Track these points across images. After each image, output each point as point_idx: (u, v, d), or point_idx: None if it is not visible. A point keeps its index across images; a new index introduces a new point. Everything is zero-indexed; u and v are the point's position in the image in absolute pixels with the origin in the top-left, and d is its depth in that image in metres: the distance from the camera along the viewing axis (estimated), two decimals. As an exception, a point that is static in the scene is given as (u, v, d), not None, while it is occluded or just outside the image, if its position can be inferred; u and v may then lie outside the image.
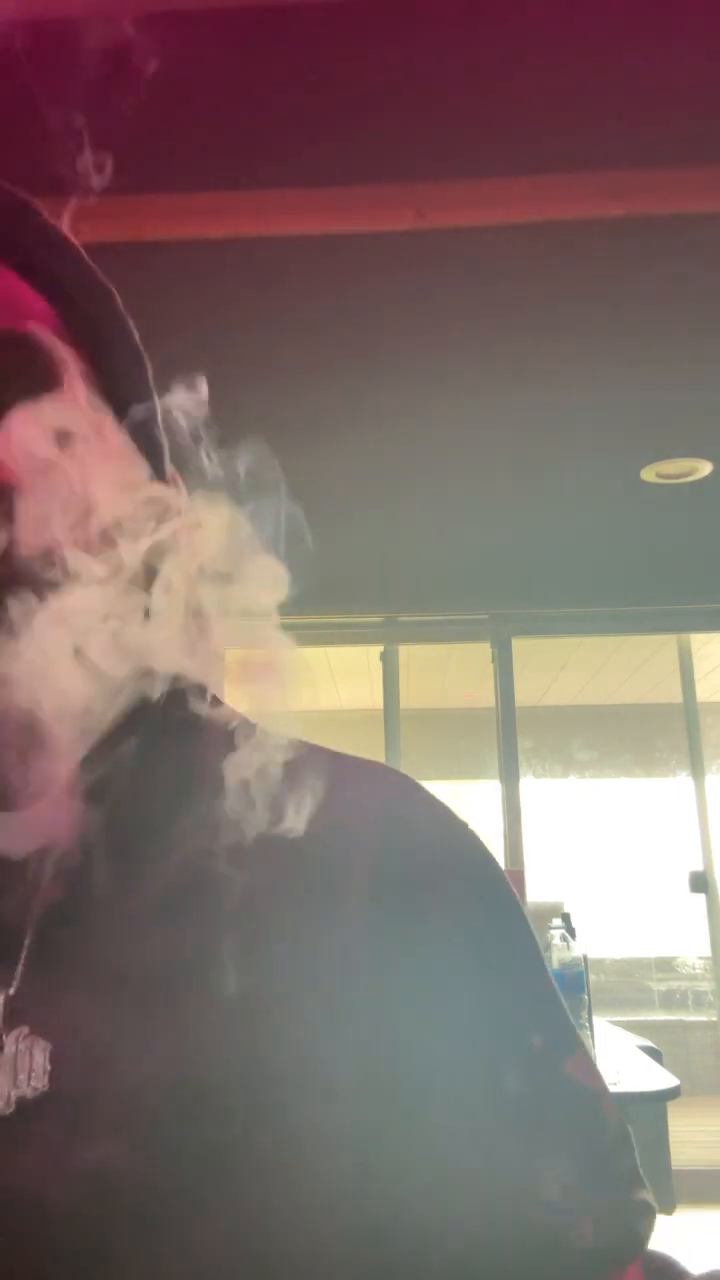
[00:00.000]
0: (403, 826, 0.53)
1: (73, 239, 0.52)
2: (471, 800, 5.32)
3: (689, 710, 4.71)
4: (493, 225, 1.97)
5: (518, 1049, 0.49)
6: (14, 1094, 0.44)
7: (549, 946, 2.89)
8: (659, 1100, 2.57)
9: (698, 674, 4.86)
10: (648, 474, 3.11)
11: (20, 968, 0.47)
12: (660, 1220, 0.52)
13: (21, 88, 1.59)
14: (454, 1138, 0.47)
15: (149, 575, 0.49)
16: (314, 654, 5.06)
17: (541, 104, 1.72)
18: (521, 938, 0.53)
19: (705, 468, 3.06)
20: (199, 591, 0.53)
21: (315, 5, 1.54)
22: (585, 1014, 2.78)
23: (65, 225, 0.52)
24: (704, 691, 4.93)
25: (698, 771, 4.56)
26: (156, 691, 0.49)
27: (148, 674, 0.48)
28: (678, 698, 4.79)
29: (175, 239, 1.93)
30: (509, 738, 4.36)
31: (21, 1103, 0.44)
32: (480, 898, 0.52)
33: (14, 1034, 0.46)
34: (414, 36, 1.60)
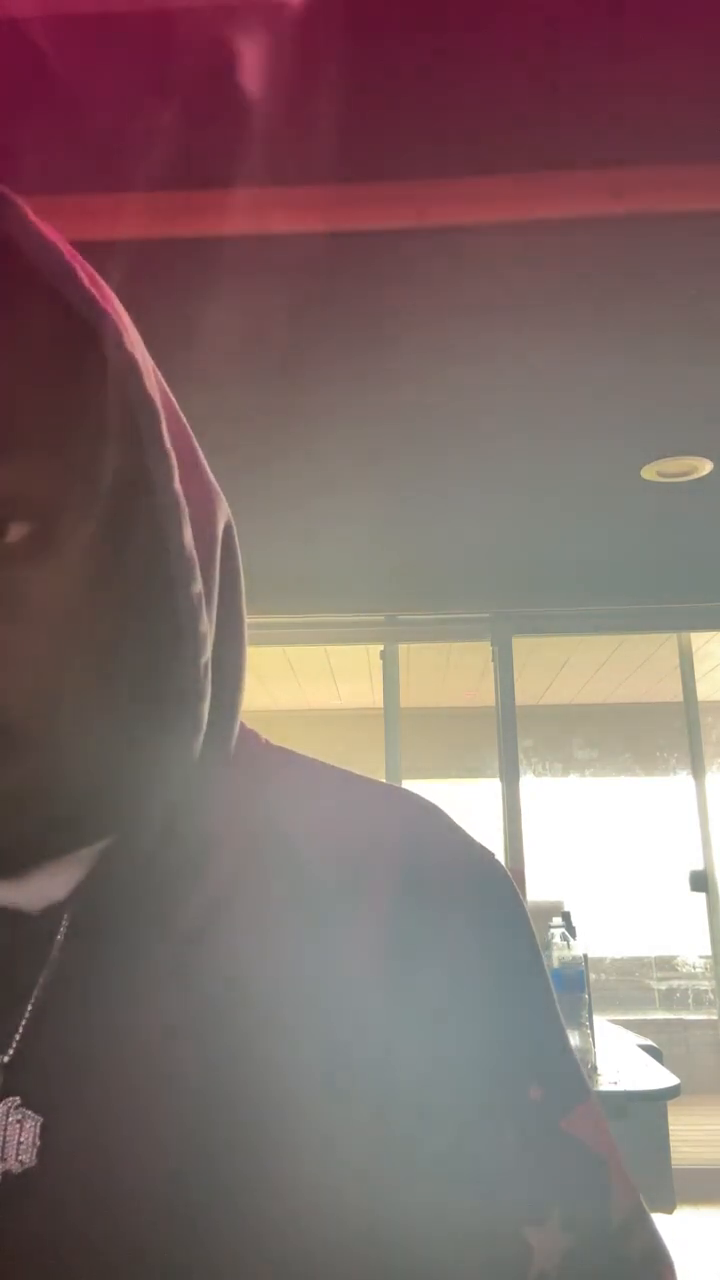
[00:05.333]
0: (423, 851, 0.51)
1: (66, 246, 0.47)
2: (471, 799, 5.32)
3: (689, 709, 4.71)
4: (493, 223, 1.96)
5: (514, 1099, 0.47)
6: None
7: (549, 945, 2.90)
8: (659, 1099, 2.57)
9: (698, 673, 4.86)
10: (648, 472, 3.10)
11: (20, 1033, 0.45)
12: (660, 1220, 0.49)
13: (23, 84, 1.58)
14: (449, 1188, 0.45)
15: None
16: (314, 653, 5.06)
17: (541, 101, 1.71)
18: (533, 978, 0.51)
19: (706, 466, 3.06)
20: (243, 618, 0.52)
21: (316, 4, 1.54)
22: (585, 1013, 2.78)
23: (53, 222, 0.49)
24: (704, 690, 4.92)
25: (698, 770, 4.55)
26: (196, 747, 0.47)
27: (192, 729, 0.47)
28: (678, 696, 4.79)
29: (174, 236, 1.93)
30: (509, 736, 4.36)
31: (7, 1177, 0.42)
32: (495, 935, 0.50)
33: (4, 1104, 0.43)
34: (412, 34, 1.59)
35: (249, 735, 0.56)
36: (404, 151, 1.82)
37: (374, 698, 4.85)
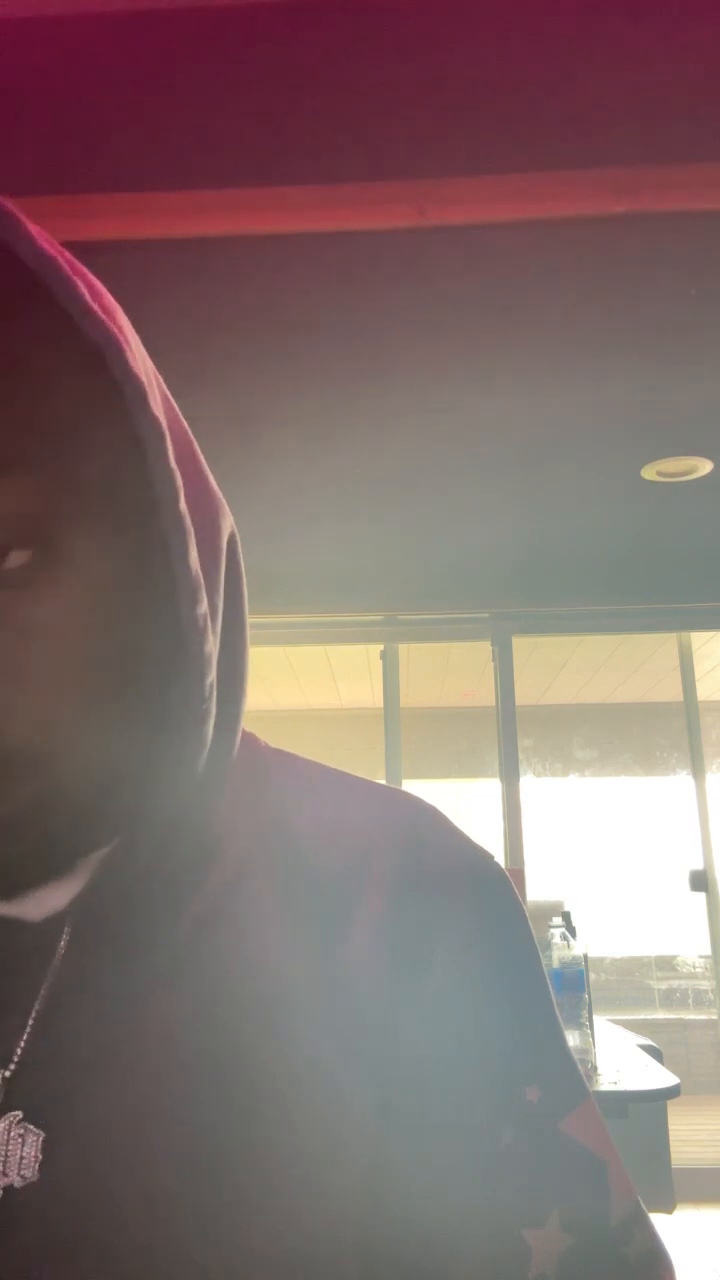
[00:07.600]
0: (422, 853, 0.51)
1: (66, 258, 0.45)
2: (471, 799, 5.32)
3: (689, 709, 4.71)
4: (493, 223, 1.97)
5: (512, 1100, 0.47)
6: (0, 1182, 0.42)
7: (549, 945, 2.89)
8: (659, 1099, 2.56)
9: (698, 672, 4.86)
10: (648, 472, 3.11)
11: (21, 1047, 0.44)
12: (660, 1220, 0.49)
13: (12, 86, 1.59)
14: (448, 1189, 0.45)
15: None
16: (314, 653, 5.06)
17: (542, 101, 1.72)
18: (531, 979, 0.51)
19: (706, 466, 3.06)
20: (245, 627, 0.51)
21: (316, 3, 1.54)
22: (585, 1013, 2.78)
23: (62, 222, 0.48)
24: (704, 690, 4.92)
25: (698, 770, 4.55)
26: (200, 764, 0.47)
27: (196, 748, 0.46)
28: (678, 696, 4.79)
29: (174, 237, 1.93)
30: (509, 736, 4.36)
31: (9, 1192, 0.42)
32: (494, 935, 0.50)
33: (6, 1119, 0.43)
34: (413, 34, 1.60)
35: (248, 739, 0.56)
36: (404, 151, 1.82)
37: (374, 698, 4.85)
